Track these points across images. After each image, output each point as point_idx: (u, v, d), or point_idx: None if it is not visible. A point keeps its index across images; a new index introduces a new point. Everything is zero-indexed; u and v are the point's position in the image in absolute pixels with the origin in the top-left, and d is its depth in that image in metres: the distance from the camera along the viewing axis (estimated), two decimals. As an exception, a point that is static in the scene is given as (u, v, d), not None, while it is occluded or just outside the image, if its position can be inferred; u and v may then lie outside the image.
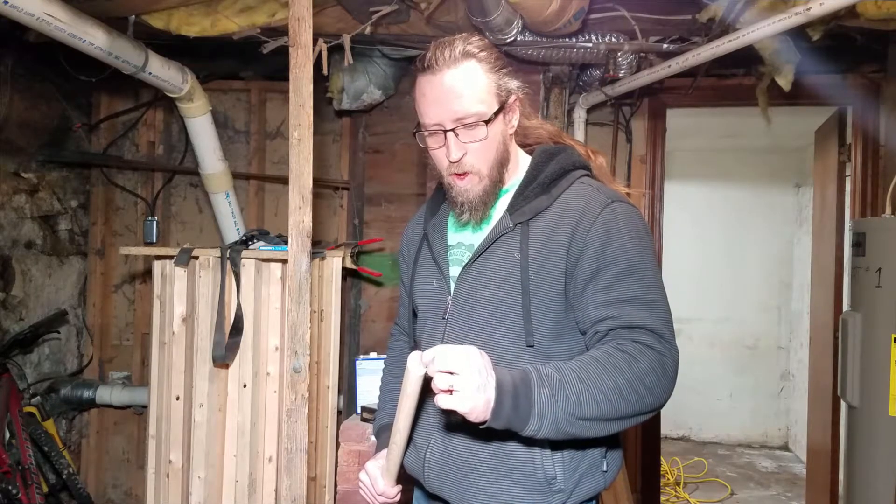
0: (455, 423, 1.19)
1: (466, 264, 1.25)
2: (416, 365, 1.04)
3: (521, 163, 1.30)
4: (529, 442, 1.14)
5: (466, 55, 1.17)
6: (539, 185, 1.23)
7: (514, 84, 1.23)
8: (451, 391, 0.97)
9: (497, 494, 1.17)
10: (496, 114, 1.19)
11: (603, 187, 1.24)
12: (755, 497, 4.28)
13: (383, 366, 1.55)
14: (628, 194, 1.28)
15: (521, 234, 1.19)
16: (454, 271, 1.28)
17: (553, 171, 1.24)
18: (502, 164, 1.24)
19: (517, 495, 1.17)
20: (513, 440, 1.16)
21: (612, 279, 1.13)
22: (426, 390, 1.08)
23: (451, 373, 0.97)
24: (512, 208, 1.23)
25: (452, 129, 1.17)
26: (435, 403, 1.00)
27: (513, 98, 1.23)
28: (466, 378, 0.97)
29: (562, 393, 1.02)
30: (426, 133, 1.21)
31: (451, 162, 1.20)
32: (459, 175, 1.21)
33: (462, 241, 1.30)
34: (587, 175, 1.28)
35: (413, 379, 1.05)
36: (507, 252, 1.20)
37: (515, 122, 1.26)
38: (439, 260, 1.30)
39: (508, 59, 1.88)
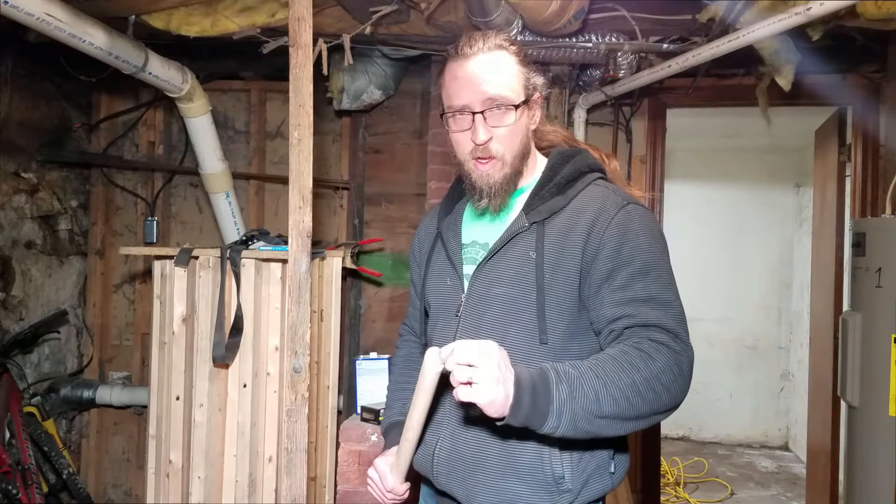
0: (467, 420, 1.19)
1: (481, 262, 1.25)
2: (434, 360, 1.04)
3: (538, 164, 1.31)
4: (538, 440, 1.14)
5: (499, 46, 1.21)
6: (555, 185, 1.24)
7: (539, 81, 1.26)
8: (470, 384, 0.97)
9: (504, 492, 1.17)
10: (523, 103, 1.21)
11: (618, 190, 1.25)
12: (755, 497, 4.28)
13: (391, 365, 1.55)
14: (643, 198, 1.30)
15: (537, 233, 1.20)
16: (468, 269, 1.28)
17: (569, 172, 1.26)
18: (524, 155, 1.25)
19: (524, 494, 1.16)
20: (522, 438, 1.16)
21: (627, 279, 1.13)
22: (441, 387, 1.08)
23: (471, 366, 0.98)
24: (528, 208, 1.23)
25: (481, 112, 1.19)
26: (453, 396, 1.00)
27: (537, 94, 1.26)
28: (486, 371, 0.97)
29: (580, 390, 1.01)
30: (451, 116, 1.23)
31: (476, 145, 1.20)
32: (482, 160, 1.22)
33: (476, 239, 1.30)
34: (602, 178, 1.29)
35: (430, 374, 1.05)
36: (522, 251, 1.21)
37: (537, 119, 1.28)
38: (453, 258, 1.30)
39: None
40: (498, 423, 1.03)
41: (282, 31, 2.52)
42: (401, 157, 3.23)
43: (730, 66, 2.90)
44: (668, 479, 4.44)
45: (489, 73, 1.19)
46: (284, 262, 2.38)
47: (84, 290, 3.44)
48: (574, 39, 2.59)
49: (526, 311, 1.18)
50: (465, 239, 1.32)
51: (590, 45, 2.59)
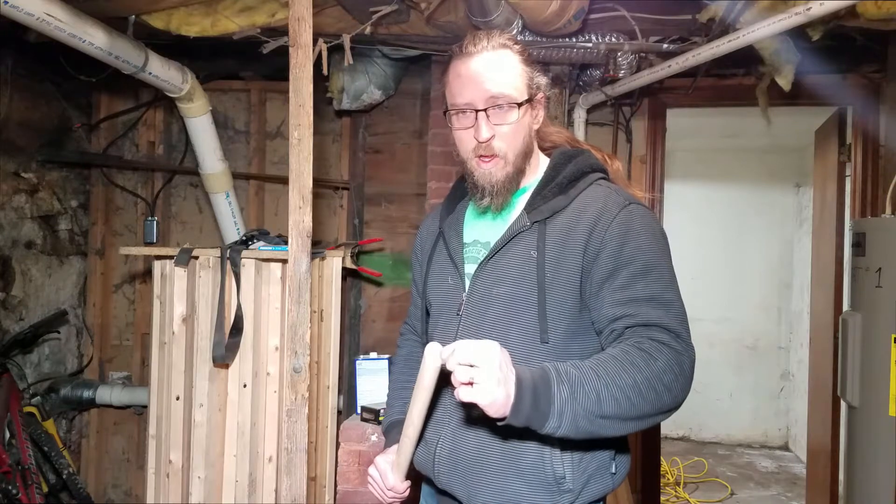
0: (468, 419, 1.19)
1: (482, 261, 1.25)
2: (434, 357, 1.04)
3: (541, 163, 1.32)
4: (539, 440, 1.14)
5: (503, 45, 1.22)
6: (557, 185, 1.25)
7: (543, 80, 1.26)
8: (471, 384, 0.97)
9: (505, 492, 1.17)
10: (526, 101, 1.22)
11: (620, 190, 1.26)
12: (755, 497, 4.28)
13: (392, 365, 1.55)
14: (644, 198, 1.30)
15: (539, 232, 1.20)
16: (469, 268, 1.28)
17: (571, 172, 1.26)
18: (526, 154, 1.25)
19: (525, 493, 1.16)
20: (523, 438, 1.16)
21: (628, 278, 1.13)
22: (441, 384, 1.08)
23: (472, 366, 0.97)
24: (529, 207, 1.24)
25: (484, 110, 1.19)
26: (454, 396, 1.00)
27: (540, 94, 1.26)
28: (487, 371, 0.96)
29: (581, 390, 1.01)
30: (453, 113, 1.23)
31: (479, 142, 1.21)
32: (485, 157, 1.22)
33: (478, 238, 1.31)
34: (604, 178, 1.29)
35: (430, 370, 1.05)
36: (523, 250, 1.21)
37: (541, 119, 1.29)
38: (455, 257, 1.31)
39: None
40: (499, 424, 1.02)
41: (282, 31, 2.52)
42: (401, 157, 3.23)
43: (730, 66, 2.90)
44: (668, 479, 4.44)
45: (493, 71, 1.19)
46: (284, 262, 2.38)
47: (84, 290, 3.44)
48: (574, 39, 2.59)
49: (527, 311, 1.18)
50: (467, 238, 1.32)
51: (590, 45, 2.59)
